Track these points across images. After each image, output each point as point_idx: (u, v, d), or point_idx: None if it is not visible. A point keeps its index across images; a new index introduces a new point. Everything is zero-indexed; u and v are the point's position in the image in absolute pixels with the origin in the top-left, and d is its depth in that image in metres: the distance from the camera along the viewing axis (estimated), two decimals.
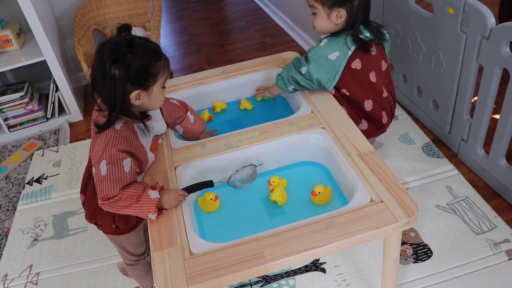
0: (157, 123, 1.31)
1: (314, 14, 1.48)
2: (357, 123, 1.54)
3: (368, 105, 1.54)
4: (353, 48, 1.46)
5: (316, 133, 1.38)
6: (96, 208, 1.27)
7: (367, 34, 1.48)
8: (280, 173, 1.38)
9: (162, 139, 1.38)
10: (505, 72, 1.63)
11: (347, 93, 1.52)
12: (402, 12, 2.07)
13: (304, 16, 2.91)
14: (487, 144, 1.84)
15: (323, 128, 1.40)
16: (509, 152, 1.75)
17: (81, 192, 1.36)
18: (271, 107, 1.70)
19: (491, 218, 1.72)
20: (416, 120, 2.25)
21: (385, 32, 1.57)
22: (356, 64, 1.48)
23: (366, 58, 1.49)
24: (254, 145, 1.38)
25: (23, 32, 2.66)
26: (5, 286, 1.78)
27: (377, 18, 2.33)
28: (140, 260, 1.50)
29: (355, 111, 1.57)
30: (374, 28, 1.51)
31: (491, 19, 1.60)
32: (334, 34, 1.48)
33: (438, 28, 1.86)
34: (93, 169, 1.16)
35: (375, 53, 1.51)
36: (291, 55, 1.79)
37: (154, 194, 1.15)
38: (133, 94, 1.13)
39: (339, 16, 1.43)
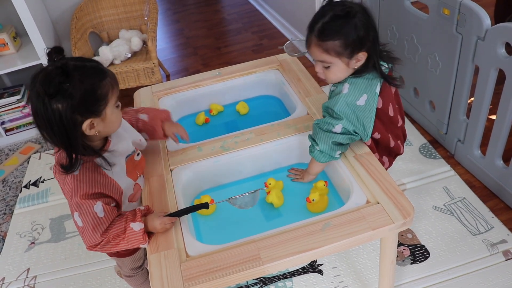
0: (121, 144, 1.17)
1: (327, 67, 1.21)
2: (381, 163, 1.36)
3: (391, 141, 1.37)
4: (378, 86, 1.25)
5: None
6: None
7: (385, 65, 1.29)
8: (277, 175, 1.38)
9: (138, 154, 1.26)
10: (501, 73, 1.63)
11: (378, 136, 1.32)
12: (398, 13, 2.08)
13: (301, 18, 2.92)
14: (484, 145, 1.84)
15: None
16: (505, 152, 1.75)
17: None
18: (267, 109, 1.70)
19: (488, 219, 1.72)
20: (413, 121, 2.26)
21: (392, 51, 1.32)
22: (379, 103, 1.27)
23: (383, 92, 1.28)
24: (250, 147, 1.38)
25: (20, 35, 2.66)
26: None
27: None
28: (138, 272, 1.48)
29: (381, 152, 1.40)
30: (384, 54, 1.28)
31: (487, 20, 1.60)
32: (352, 75, 1.24)
33: (434, 29, 1.86)
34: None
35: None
36: (287, 56, 1.79)
37: (137, 226, 1.08)
38: (86, 125, 1.01)
39: (358, 60, 1.19)
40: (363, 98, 1.22)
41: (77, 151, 1.03)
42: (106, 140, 1.13)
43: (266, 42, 3.27)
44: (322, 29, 1.16)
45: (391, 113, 1.32)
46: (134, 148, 1.23)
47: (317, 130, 1.24)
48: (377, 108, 1.26)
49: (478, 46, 1.67)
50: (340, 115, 1.20)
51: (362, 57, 1.18)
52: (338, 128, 1.21)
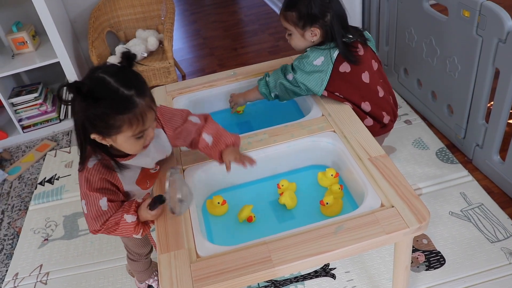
0: (143, 160, 1.18)
1: (290, 34, 1.50)
2: (362, 119, 1.51)
3: (366, 106, 1.51)
4: (336, 52, 1.45)
5: (327, 136, 1.36)
6: None
7: (350, 36, 1.48)
8: (290, 177, 1.37)
9: (154, 170, 1.27)
10: None
11: (341, 96, 1.50)
12: (416, 15, 2.05)
13: None
14: (503, 150, 1.80)
15: (334, 131, 1.38)
16: None
17: None
18: (281, 110, 1.68)
19: (507, 226, 1.67)
20: (430, 125, 2.22)
21: (365, 31, 1.57)
22: (345, 67, 1.46)
23: (362, 61, 1.48)
24: (263, 148, 1.36)
25: (39, 34, 2.69)
26: (16, 285, 1.79)
27: (391, 22, 2.30)
28: (141, 259, 1.53)
29: (356, 111, 1.53)
30: (355, 32, 1.50)
31: (509, 22, 1.56)
32: (316, 45, 1.48)
33: (453, 31, 1.83)
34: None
35: (362, 53, 1.48)
36: None
37: (129, 218, 1.13)
38: (94, 137, 1.03)
39: (313, 34, 1.45)
40: (320, 60, 1.45)
41: (85, 148, 1.07)
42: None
43: (283, 44, 3.26)
44: (287, 2, 1.47)
45: (366, 80, 1.50)
46: (154, 166, 1.25)
47: (277, 70, 1.53)
48: (343, 72, 1.46)
49: (499, 48, 1.63)
50: (296, 69, 1.47)
51: (316, 32, 1.44)
52: (290, 76, 1.48)
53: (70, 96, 0.98)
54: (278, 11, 3.71)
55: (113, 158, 1.11)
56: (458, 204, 1.78)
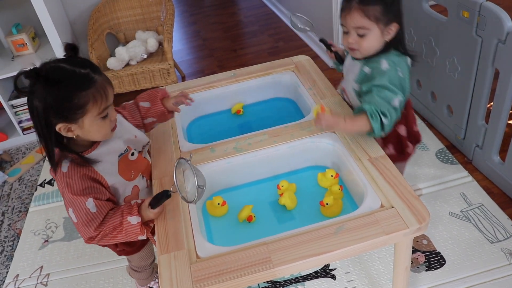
0: (111, 144, 1.17)
1: (363, 35, 1.24)
2: (405, 145, 1.42)
3: (414, 126, 1.41)
4: (408, 59, 1.30)
5: (326, 137, 1.36)
6: None
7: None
8: (290, 178, 1.37)
9: (132, 154, 1.25)
10: None
11: (405, 112, 1.37)
12: (416, 16, 2.05)
13: (318, 21, 2.90)
14: (503, 151, 1.80)
15: (334, 132, 1.38)
16: None
17: None
18: (281, 111, 1.68)
19: (507, 227, 1.67)
20: (430, 126, 2.22)
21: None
22: None
23: None
24: (263, 149, 1.36)
25: (38, 36, 2.70)
26: (16, 286, 1.79)
27: None
28: (145, 270, 1.53)
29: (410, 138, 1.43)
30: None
31: (508, 23, 1.56)
32: (380, 52, 1.27)
33: (452, 32, 1.83)
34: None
35: None
36: (302, 58, 1.78)
37: (134, 220, 1.11)
38: (60, 127, 1.03)
39: (390, 31, 1.24)
40: (400, 71, 1.25)
41: (52, 148, 1.05)
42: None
43: (282, 45, 3.26)
44: None
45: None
46: (126, 147, 1.23)
47: (383, 103, 1.21)
48: None
49: (498, 49, 1.63)
50: (395, 89, 1.21)
51: (393, 29, 1.24)
52: (396, 101, 1.22)
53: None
54: (277, 12, 3.72)
55: (80, 155, 1.10)
56: (458, 205, 1.78)
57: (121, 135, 1.22)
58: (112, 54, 2.71)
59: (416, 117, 1.43)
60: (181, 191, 1.10)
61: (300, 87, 1.63)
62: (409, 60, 1.30)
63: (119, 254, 1.39)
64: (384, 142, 1.43)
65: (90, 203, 1.08)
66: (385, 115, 1.20)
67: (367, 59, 1.29)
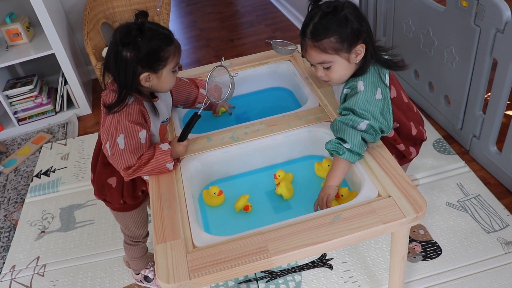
0: (165, 106, 1.33)
1: (328, 68, 1.19)
2: (409, 155, 1.40)
3: (413, 129, 1.36)
4: (387, 75, 1.23)
5: (324, 126, 1.36)
6: (105, 185, 1.37)
7: (383, 53, 1.25)
8: (286, 167, 1.36)
9: (168, 125, 1.41)
10: None
11: (397, 125, 1.31)
12: (414, 6, 2.03)
13: None
14: (500, 141, 1.80)
15: (331, 121, 1.37)
16: None
17: (91, 170, 1.41)
18: (278, 100, 1.67)
19: (503, 217, 1.68)
20: (427, 116, 2.22)
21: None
22: (393, 93, 1.27)
23: (393, 81, 1.28)
24: (260, 138, 1.35)
25: (33, 25, 2.67)
26: (13, 277, 1.79)
27: (389, 12, 2.29)
28: (139, 243, 1.56)
29: (405, 142, 1.38)
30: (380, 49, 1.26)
31: (507, 12, 1.55)
32: (358, 73, 1.21)
33: (451, 21, 1.82)
34: (107, 145, 1.20)
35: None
36: (299, 48, 1.76)
37: (165, 146, 1.22)
38: (143, 76, 1.18)
39: (357, 53, 1.17)
40: (379, 92, 1.20)
41: (128, 91, 1.18)
42: (153, 95, 1.29)
43: (279, 35, 3.24)
44: (314, 29, 1.15)
45: (405, 99, 1.32)
46: (169, 116, 1.38)
47: (343, 127, 1.18)
48: (392, 98, 1.24)
49: (497, 39, 1.62)
50: (365, 114, 1.17)
51: (360, 49, 1.16)
52: (363, 125, 1.17)
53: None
54: (274, 2, 3.69)
55: (151, 100, 1.26)
56: (455, 195, 1.79)
57: (166, 102, 1.36)
58: (108, 44, 2.68)
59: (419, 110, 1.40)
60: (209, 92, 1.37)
61: (297, 77, 1.61)
62: (387, 75, 1.23)
63: (115, 209, 1.45)
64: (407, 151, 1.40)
65: (143, 134, 1.19)
66: (345, 142, 1.16)
67: (347, 80, 1.24)
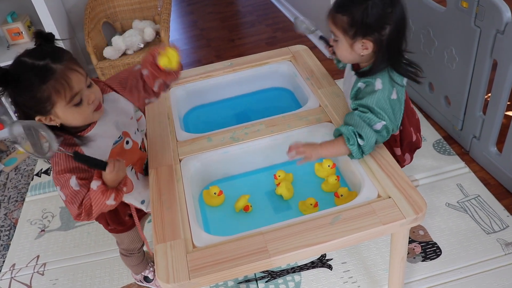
0: (106, 126, 1.15)
1: (336, 41, 1.20)
2: (402, 160, 1.41)
3: (413, 135, 1.36)
4: (404, 81, 1.23)
5: (324, 127, 1.36)
6: None
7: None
8: (286, 167, 1.36)
9: (128, 142, 1.22)
10: None
11: (401, 128, 1.32)
12: (414, 6, 2.03)
13: (316, 10, 2.88)
14: (500, 142, 1.80)
15: (331, 122, 1.38)
16: None
17: None
18: (278, 101, 1.67)
19: (503, 218, 1.68)
20: (427, 116, 2.22)
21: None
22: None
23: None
24: (260, 139, 1.36)
25: (34, 24, 2.67)
26: (13, 276, 1.79)
27: None
28: (134, 254, 1.53)
29: (404, 149, 1.39)
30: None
31: (507, 13, 1.55)
32: (375, 69, 1.19)
33: (451, 22, 1.82)
34: None
35: None
36: (300, 48, 1.76)
37: (94, 185, 1.08)
38: (38, 119, 1.02)
39: (364, 47, 1.16)
40: (394, 92, 1.19)
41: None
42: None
43: (280, 35, 3.24)
44: (340, 2, 1.17)
45: (410, 104, 1.32)
46: (120, 133, 1.19)
47: (361, 124, 1.16)
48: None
49: (497, 40, 1.62)
50: (382, 113, 1.16)
51: (368, 45, 1.15)
52: (379, 125, 1.16)
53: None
54: (275, 3, 3.69)
55: (74, 134, 1.09)
56: (455, 196, 1.79)
57: (116, 119, 1.18)
58: (109, 43, 2.68)
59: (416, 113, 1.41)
60: None
61: (297, 77, 1.62)
62: (404, 80, 1.23)
63: (111, 232, 1.40)
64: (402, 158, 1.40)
65: (73, 181, 1.08)
66: (361, 138, 1.16)
67: (363, 74, 1.22)
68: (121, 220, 1.33)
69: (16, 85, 0.97)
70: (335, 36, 1.19)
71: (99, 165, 1.07)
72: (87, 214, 1.10)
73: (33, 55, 0.99)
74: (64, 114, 1.03)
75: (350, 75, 1.30)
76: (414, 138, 1.36)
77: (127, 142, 1.22)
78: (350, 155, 1.20)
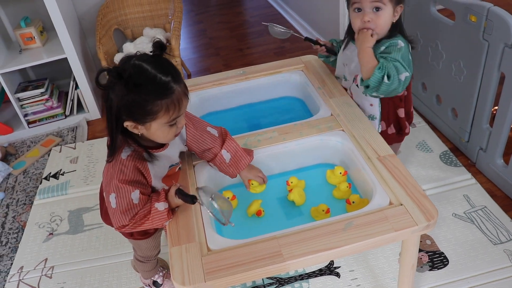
0: (173, 151, 1.22)
1: (378, 9, 1.33)
2: (404, 127, 1.56)
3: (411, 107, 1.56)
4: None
5: (336, 135, 1.38)
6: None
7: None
8: (299, 174, 1.38)
9: (179, 168, 1.30)
10: None
11: (406, 93, 1.50)
12: (423, 19, 2.07)
13: (322, 21, 2.92)
14: (507, 154, 1.82)
15: (343, 130, 1.40)
16: None
17: (99, 198, 1.37)
18: (290, 109, 1.70)
19: (509, 228, 1.69)
20: (434, 128, 2.24)
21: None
22: None
23: None
24: (273, 146, 1.38)
25: (46, 30, 2.71)
26: (21, 278, 1.80)
27: None
28: (150, 260, 1.54)
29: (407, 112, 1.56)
30: None
31: None
32: (393, 33, 1.39)
33: (459, 36, 1.85)
34: (105, 195, 1.15)
35: None
36: (311, 58, 1.80)
37: (161, 206, 1.13)
38: (127, 124, 1.05)
39: (397, 13, 1.37)
40: (409, 52, 1.38)
41: (116, 137, 1.07)
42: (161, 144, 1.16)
43: (288, 45, 3.28)
44: None
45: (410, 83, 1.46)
46: (178, 161, 1.27)
47: (393, 69, 1.30)
48: None
49: (505, 53, 1.65)
50: (405, 65, 1.32)
51: (399, 11, 1.36)
52: (403, 76, 1.31)
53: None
54: (283, 13, 3.74)
55: (146, 149, 1.12)
56: (462, 206, 1.80)
57: (179, 146, 1.26)
58: (120, 50, 2.72)
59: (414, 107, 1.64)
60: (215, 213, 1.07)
61: (309, 87, 1.64)
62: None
63: (130, 239, 1.41)
64: (387, 122, 1.53)
65: (136, 195, 1.10)
66: (389, 77, 1.29)
67: (377, 44, 1.38)
68: (145, 231, 1.34)
69: (133, 89, 0.99)
70: (380, 3, 1.31)
71: (192, 200, 1.12)
72: (132, 227, 1.13)
73: (155, 66, 1.01)
74: (156, 130, 1.06)
75: (346, 55, 1.51)
76: (408, 115, 1.52)
77: (179, 168, 1.31)
78: (366, 81, 1.32)
